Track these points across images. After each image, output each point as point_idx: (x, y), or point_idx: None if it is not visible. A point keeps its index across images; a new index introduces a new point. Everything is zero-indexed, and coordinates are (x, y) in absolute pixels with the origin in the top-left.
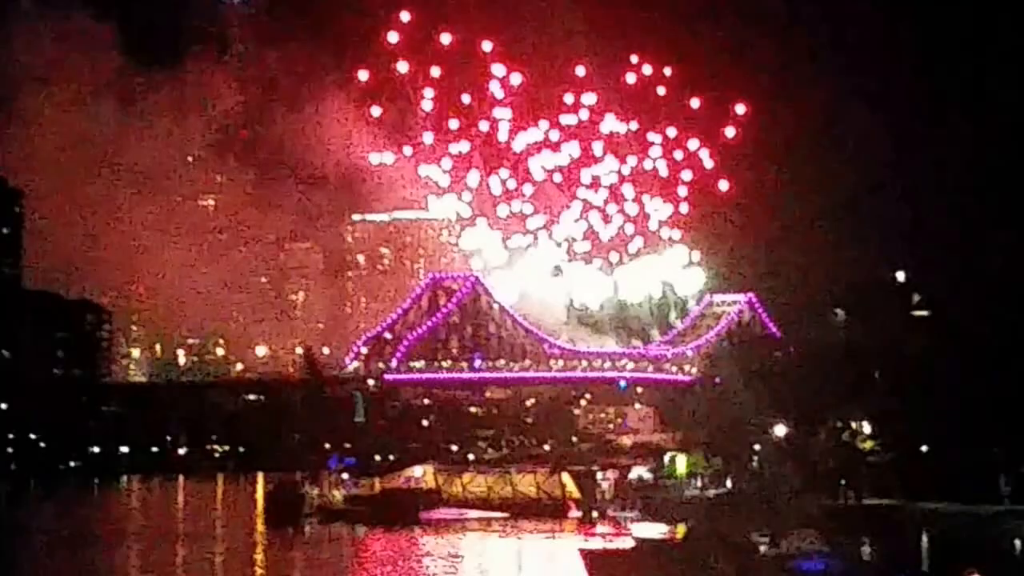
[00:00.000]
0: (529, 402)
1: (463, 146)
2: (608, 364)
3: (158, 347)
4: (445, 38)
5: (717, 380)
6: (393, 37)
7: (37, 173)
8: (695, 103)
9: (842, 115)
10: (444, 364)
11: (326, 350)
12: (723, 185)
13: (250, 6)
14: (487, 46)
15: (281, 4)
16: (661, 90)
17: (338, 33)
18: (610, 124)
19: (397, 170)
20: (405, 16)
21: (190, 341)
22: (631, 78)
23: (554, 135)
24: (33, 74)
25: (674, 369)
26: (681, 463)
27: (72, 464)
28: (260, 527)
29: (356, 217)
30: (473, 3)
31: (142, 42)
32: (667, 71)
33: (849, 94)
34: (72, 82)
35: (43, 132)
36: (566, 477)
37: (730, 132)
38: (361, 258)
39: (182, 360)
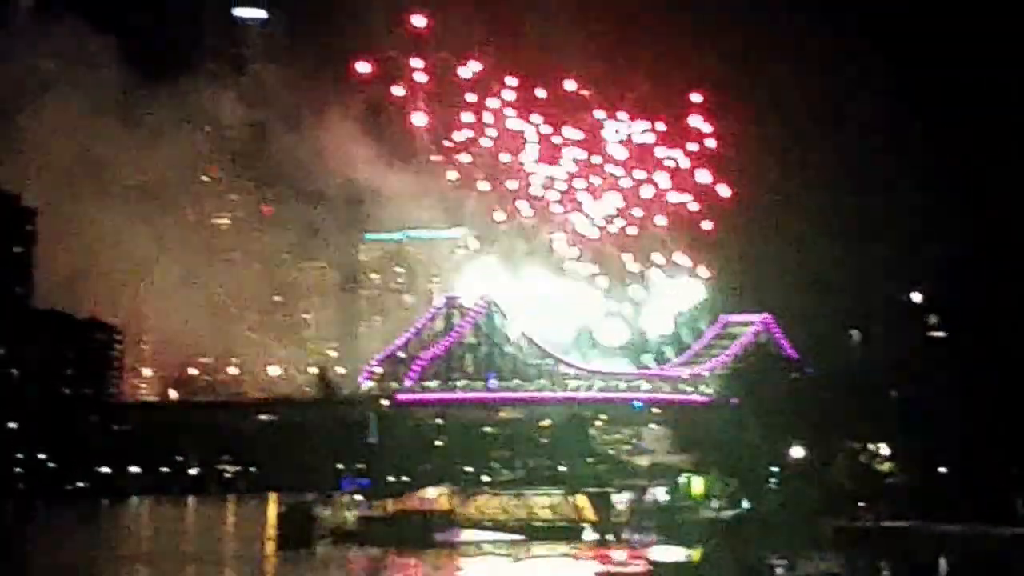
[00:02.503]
0: (544, 422)
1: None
2: (623, 384)
3: (169, 366)
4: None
5: (733, 401)
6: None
7: (47, 191)
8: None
9: (855, 128)
10: (458, 384)
11: (340, 369)
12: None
13: (267, 27)
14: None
15: (297, 25)
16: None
17: (350, 54)
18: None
19: (406, 188)
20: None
21: (201, 360)
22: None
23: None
24: (42, 92)
25: (690, 390)
26: (697, 484)
27: (81, 484)
28: (272, 549)
29: (369, 236)
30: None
31: (156, 61)
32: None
33: (863, 107)
34: (82, 100)
35: (53, 150)
36: (581, 499)
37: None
38: (375, 277)
39: (193, 379)
